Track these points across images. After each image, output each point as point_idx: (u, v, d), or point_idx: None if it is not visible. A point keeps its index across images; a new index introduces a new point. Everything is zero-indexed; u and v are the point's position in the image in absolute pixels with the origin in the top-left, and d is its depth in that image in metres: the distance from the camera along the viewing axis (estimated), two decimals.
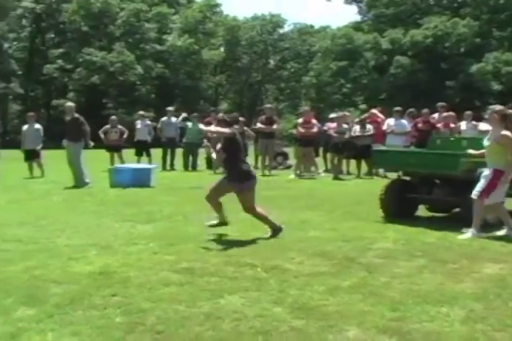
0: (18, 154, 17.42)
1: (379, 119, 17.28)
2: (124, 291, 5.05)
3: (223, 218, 7.78)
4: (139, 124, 19.09)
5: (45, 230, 7.94)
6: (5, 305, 4.67)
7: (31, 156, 16.60)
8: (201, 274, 5.62)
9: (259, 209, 7.66)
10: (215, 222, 7.80)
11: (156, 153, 19.00)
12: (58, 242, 7.12)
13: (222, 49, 64.36)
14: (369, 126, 16.72)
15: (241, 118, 19.64)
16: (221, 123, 8.15)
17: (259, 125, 17.27)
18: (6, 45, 52.40)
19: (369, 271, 5.78)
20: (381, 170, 15.54)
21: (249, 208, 7.60)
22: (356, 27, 58.08)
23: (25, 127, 17.14)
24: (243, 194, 7.53)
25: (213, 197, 7.68)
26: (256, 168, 18.84)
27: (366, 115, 18.28)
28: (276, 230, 7.61)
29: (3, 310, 4.55)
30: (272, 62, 71.58)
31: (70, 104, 14.59)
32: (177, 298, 4.87)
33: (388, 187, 9.32)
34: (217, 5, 62.74)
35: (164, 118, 19.27)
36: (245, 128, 19.02)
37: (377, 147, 13.69)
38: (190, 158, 18.90)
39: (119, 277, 5.51)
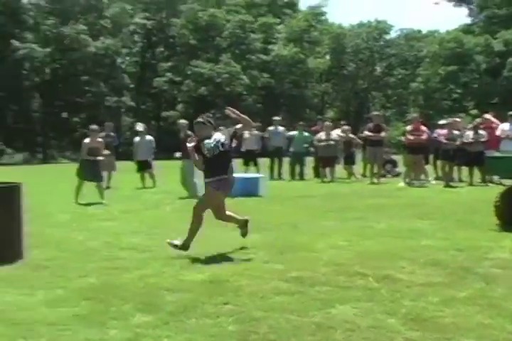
0: (130, 165, 18.00)
1: (493, 125, 16.69)
2: (235, 300, 5.08)
3: (241, 221, 7.62)
4: (246, 134, 19.30)
5: (158, 239, 8.12)
6: (123, 311, 4.82)
7: (143, 167, 17.07)
8: (311, 283, 5.59)
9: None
10: (240, 233, 7.64)
11: (264, 162, 19.15)
12: (171, 251, 7.28)
13: (327, 57, 64.27)
14: (483, 132, 16.17)
15: (347, 127, 19.54)
16: (209, 127, 7.30)
17: (366, 133, 17.09)
18: (119, 60, 54.50)
19: (486, 282, 5.57)
20: (495, 177, 14.98)
21: (203, 210, 7.19)
22: (466, 30, 56.64)
23: (137, 139, 17.63)
24: (218, 193, 7.13)
25: (222, 214, 7.40)
26: (364, 176, 18.69)
27: (479, 120, 17.69)
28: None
29: (122, 316, 4.69)
30: (378, 69, 70.77)
31: (182, 121, 14.58)
32: (288, 307, 4.86)
33: (504, 194, 8.96)
34: (322, 13, 62.85)
35: (271, 128, 19.46)
36: (352, 136, 18.90)
37: (491, 153, 13.23)
38: (298, 167, 18.93)
39: (230, 285, 5.57)
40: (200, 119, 7.34)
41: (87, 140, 13.15)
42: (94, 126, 13.63)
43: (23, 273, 6.23)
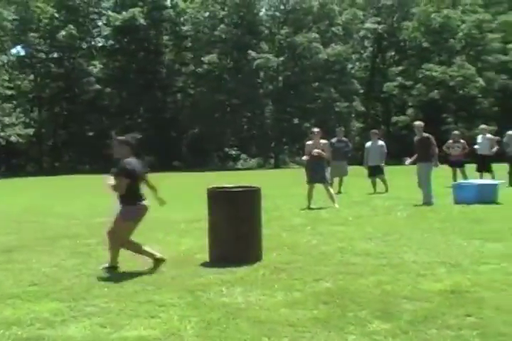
0: (359, 170, 17.94)
1: None
2: (478, 312, 4.83)
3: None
4: (479, 138, 18.44)
5: (391, 245, 8.03)
6: (360, 317, 4.79)
7: (375, 172, 16.92)
8: None
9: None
10: (106, 264, 6.88)
11: (502, 168, 18.12)
12: (405, 258, 7.13)
13: None
14: None
15: None
16: (123, 145, 6.77)
17: None
18: (349, 66, 55.00)
19: None
20: None
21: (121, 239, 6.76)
22: None
23: (368, 144, 17.47)
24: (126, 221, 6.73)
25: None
26: None
27: None
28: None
29: (359, 322, 4.67)
30: None
31: (418, 122, 14.05)
32: None
33: None
34: None
35: (511, 132, 18.34)
36: None
37: None
38: None
39: (471, 297, 5.31)
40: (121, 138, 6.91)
41: (309, 142, 13.30)
42: (315, 129, 13.61)
43: (262, 274, 6.46)
